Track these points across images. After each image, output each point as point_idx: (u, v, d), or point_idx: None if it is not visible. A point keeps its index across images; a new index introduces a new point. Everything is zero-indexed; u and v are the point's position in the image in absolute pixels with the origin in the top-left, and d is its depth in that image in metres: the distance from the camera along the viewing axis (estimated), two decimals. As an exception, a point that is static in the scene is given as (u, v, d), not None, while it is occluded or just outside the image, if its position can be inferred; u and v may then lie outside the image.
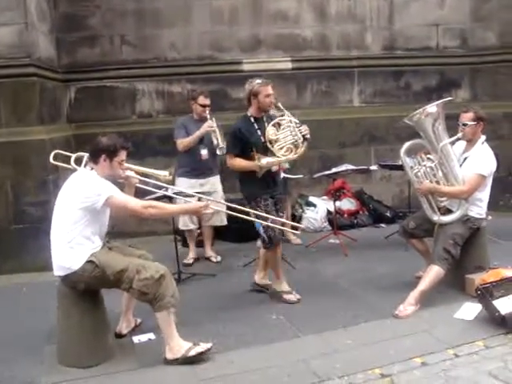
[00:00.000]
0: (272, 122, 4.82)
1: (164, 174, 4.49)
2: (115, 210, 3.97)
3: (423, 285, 4.57)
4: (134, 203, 3.90)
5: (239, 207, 4.61)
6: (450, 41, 8.48)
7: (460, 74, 8.52)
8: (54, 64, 7.31)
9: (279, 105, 4.96)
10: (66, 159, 4.45)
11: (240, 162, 4.83)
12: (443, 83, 8.46)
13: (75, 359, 3.86)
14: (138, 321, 4.48)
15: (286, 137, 4.78)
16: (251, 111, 4.94)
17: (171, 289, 3.82)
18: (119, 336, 4.30)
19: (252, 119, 4.92)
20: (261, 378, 3.61)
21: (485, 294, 4.20)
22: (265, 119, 4.93)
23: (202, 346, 3.86)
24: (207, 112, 6.12)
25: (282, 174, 5.92)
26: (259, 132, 4.84)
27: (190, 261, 6.28)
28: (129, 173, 4.18)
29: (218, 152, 6.06)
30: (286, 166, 6.41)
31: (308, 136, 4.80)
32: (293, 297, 4.94)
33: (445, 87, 8.42)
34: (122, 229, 6.97)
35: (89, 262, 3.77)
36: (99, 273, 3.77)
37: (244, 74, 7.89)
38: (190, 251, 6.42)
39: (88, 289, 3.87)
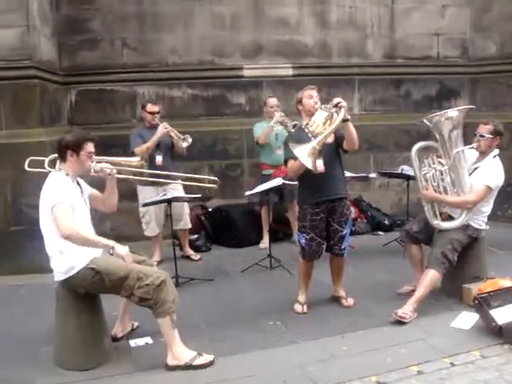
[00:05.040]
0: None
1: (136, 159, 4.50)
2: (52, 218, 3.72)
3: (420, 291, 4.58)
4: (65, 224, 3.63)
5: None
6: (451, 50, 8.53)
7: (460, 83, 8.57)
8: (55, 67, 7.33)
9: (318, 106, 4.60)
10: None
11: (290, 165, 4.64)
12: (443, 92, 8.50)
13: (72, 362, 3.86)
14: (135, 324, 4.47)
15: (319, 117, 4.40)
16: (303, 121, 4.72)
17: (172, 294, 3.82)
18: (114, 339, 4.27)
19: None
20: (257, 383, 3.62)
21: (482, 304, 4.20)
22: None
23: (206, 358, 3.85)
24: (157, 119, 6.27)
25: (281, 181, 5.92)
26: (312, 138, 4.47)
27: (155, 263, 6.12)
28: (101, 164, 4.05)
29: (184, 145, 6.26)
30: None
31: (341, 105, 4.30)
32: (300, 308, 4.87)
33: (444, 96, 8.46)
34: (120, 232, 7.00)
35: (89, 268, 3.76)
36: (99, 279, 3.76)
37: (244, 79, 7.95)
38: (155, 255, 6.38)
39: (88, 293, 3.87)
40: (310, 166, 4.25)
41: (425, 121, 4.85)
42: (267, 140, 6.75)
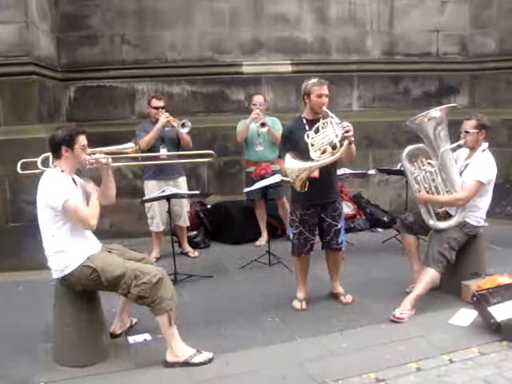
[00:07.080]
0: (314, 127, 4.49)
1: (130, 145, 4.43)
2: (68, 215, 3.76)
3: (418, 289, 4.59)
4: (84, 215, 3.76)
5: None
6: (450, 47, 8.52)
7: (459, 80, 8.55)
8: (54, 63, 7.31)
9: (324, 108, 4.54)
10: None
11: (282, 164, 4.59)
12: (442, 89, 8.49)
13: (70, 358, 3.87)
14: (134, 321, 4.47)
15: (322, 139, 4.37)
16: (305, 112, 4.74)
17: (169, 291, 3.82)
18: (113, 336, 4.28)
19: (304, 121, 4.67)
20: (256, 380, 3.61)
21: (481, 301, 4.21)
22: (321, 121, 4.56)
23: (205, 355, 3.86)
24: (161, 114, 6.24)
25: (280, 177, 5.90)
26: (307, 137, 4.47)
27: (153, 260, 6.11)
28: (96, 155, 4.01)
29: (184, 130, 6.22)
30: (274, 167, 6.41)
31: (348, 134, 4.29)
32: (299, 305, 4.87)
33: (444, 93, 8.45)
34: (119, 228, 7.00)
35: (86, 266, 3.75)
36: (96, 277, 3.76)
37: (244, 76, 7.94)
38: (154, 251, 6.43)
39: (85, 290, 3.87)
40: (296, 183, 4.38)
41: (408, 123, 4.86)
42: (243, 138, 6.77)
